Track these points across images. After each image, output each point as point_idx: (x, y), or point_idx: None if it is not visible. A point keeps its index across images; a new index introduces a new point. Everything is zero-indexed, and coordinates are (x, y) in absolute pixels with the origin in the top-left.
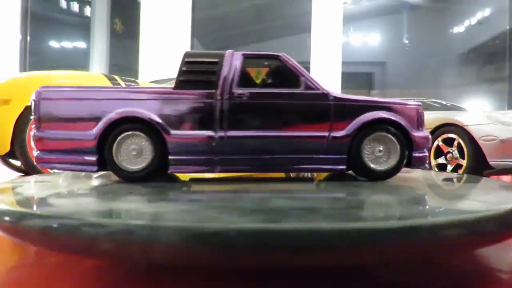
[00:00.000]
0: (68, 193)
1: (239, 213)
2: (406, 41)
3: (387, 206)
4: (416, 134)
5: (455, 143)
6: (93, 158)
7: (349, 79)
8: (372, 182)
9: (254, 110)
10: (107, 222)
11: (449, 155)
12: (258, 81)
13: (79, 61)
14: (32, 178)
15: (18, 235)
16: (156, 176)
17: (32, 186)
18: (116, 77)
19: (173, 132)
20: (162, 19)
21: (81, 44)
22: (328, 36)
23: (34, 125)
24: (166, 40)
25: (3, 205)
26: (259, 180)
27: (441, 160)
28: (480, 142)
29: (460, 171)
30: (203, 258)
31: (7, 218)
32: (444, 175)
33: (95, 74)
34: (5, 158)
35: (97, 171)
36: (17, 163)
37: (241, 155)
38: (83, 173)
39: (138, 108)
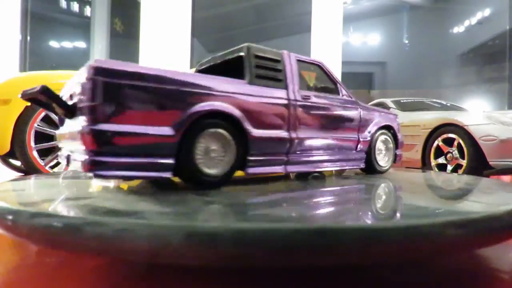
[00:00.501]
0: (68, 192)
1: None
2: (406, 41)
3: (387, 206)
4: (399, 136)
5: (455, 143)
6: (170, 161)
7: (349, 79)
8: (372, 182)
9: (316, 112)
10: (108, 221)
11: (449, 155)
12: (310, 85)
13: (79, 61)
14: (32, 178)
15: (19, 234)
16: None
17: (32, 186)
18: None
19: (255, 131)
20: (162, 19)
21: (81, 44)
22: (328, 36)
23: (86, 116)
24: (166, 40)
25: (4, 203)
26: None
27: (441, 160)
28: (480, 142)
29: (460, 171)
30: (203, 258)
31: (8, 217)
32: (444, 175)
33: None
34: (5, 158)
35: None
36: (17, 163)
37: (306, 156)
38: (83, 173)
39: (222, 103)
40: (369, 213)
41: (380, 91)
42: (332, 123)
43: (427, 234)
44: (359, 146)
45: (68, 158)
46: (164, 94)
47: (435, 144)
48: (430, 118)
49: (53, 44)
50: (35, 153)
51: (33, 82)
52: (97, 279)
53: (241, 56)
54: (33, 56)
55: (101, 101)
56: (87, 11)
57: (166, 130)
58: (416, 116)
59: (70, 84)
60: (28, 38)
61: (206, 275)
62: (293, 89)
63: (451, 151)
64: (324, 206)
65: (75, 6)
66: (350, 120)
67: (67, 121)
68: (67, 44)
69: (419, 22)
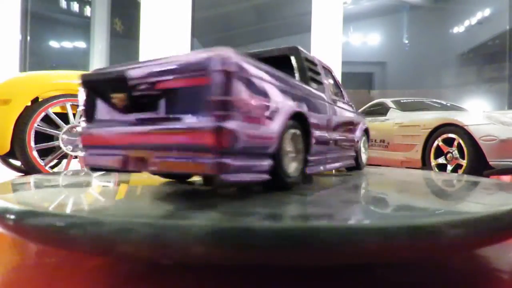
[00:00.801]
0: (68, 192)
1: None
2: (406, 41)
3: (387, 206)
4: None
5: (455, 143)
6: (270, 163)
7: (349, 79)
8: (372, 182)
9: (340, 115)
10: (108, 220)
11: (449, 155)
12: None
13: (79, 61)
14: (32, 178)
15: (20, 233)
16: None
17: (32, 185)
18: None
19: (315, 132)
20: (162, 19)
21: (81, 44)
22: (328, 36)
23: (215, 112)
24: (166, 40)
25: (5, 203)
26: None
27: (441, 160)
28: (480, 142)
29: (460, 171)
30: (203, 257)
31: (9, 216)
32: (444, 175)
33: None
34: (5, 158)
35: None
36: (17, 163)
37: (330, 155)
38: (83, 173)
39: (301, 103)
40: (369, 212)
41: (380, 91)
42: (346, 125)
43: (427, 234)
44: (355, 145)
45: (127, 159)
46: (279, 92)
47: (435, 144)
48: (430, 118)
49: (53, 44)
50: (35, 153)
51: (33, 82)
52: (97, 279)
53: (288, 57)
54: (33, 56)
55: (232, 96)
56: (87, 11)
57: (273, 130)
58: (416, 116)
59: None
60: (28, 38)
61: (206, 275)
62: (328, 92)
63: (451, 151)
64: (321, 205)
65: (75, 6)
66: (352, 122)
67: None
68: (67, 44)
69: (419, 22)
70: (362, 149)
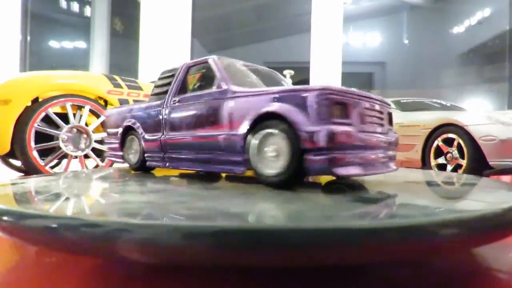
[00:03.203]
0: (68, 193)
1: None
2: (406, 41)
3: (387, 206)
4: None
5: (455, 143)
6: None
7: (349, 79)
8: (371, 181)
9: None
10: (106, 222)
11: (449, 155)
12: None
13: (79, 61)
14: (32, 178)
15: (17, 235)
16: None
17: (32, 186)
18: (116, 77)
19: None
20: (162, 19)
21: (81, 44)
22: (328, 36)
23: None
24: (166, 40)
25: (3, 205)
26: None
27: (441, 160)
28: (480, 142)
29: (460, 171)
30: (203, 257)
31: (6, 218)
32: (444, 175)
33: (95, 74)
34: (5, 158)
35: None
36: (17, 163)
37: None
38: (83, 173)
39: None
40: (368, 212)
41: (380, 91)
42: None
43: (427, 233)
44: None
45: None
46: None
47: (435, 144)
48: (430, 118)
49: (53, 44)
50: (35, 153)
51: (33, 82)
52: (97, 279)
53: None
54: (33, 56)
55: None
56: (87, 11)
57: None
58: (416, 116)
59: None
60: (28, 38)
61: (206, 275)
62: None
63: (451, 151)
64: (320, 205)
65: (75, 6)
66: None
67: None
68: (67, 44)
69: (419, 22)
70: (258, 151)
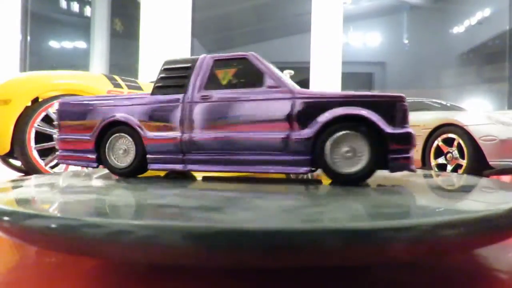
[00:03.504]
0: (68, 193)
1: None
2: (406, 41)
3: (386, 206)
4: None
5: (455, 143)
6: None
7: (349, 79)
8: (370, 182)
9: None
10: (106, 222)
11: (449, 155)
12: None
13: (79, 61)
14: (32, 178)
15: (17, 236)
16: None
17: (32, 186)
18: (116, 77)
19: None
20: (162, 19)
21: (81, 44)
22: (328, 36)
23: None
24: (166, 40)
25: (3, 205)
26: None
27: (441, 160)
28: (480, 142)
29: (460, 171)
30: (203, 258)
31: (6, 219)
32: (444, 175)
33: (95, 74)
34: (5, 158)
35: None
36: (17, 163)
37: (202, 156)
38: (83, 174)
39: None
40: (369, 213)
41: (380, 91)
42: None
43: (427, 234)
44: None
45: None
46: None
47: (435, 144)
48: (430, 118)
49: (53, 44)
50: (35, 153)
51: (33, 83)
52: (97, 279)
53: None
54: (33, 56)
55: None
56: (87, 11)
57: None
58: (416, 116)
59: None
60: (28, 38)
61: (206, 275)
62: (192, 90)
63: (451, 151)
64: (322, 206)
65: (75, 6)
66: (273, 115)
67: None
68: (67, 44)
69: (419, 22)
70: (333, 151)
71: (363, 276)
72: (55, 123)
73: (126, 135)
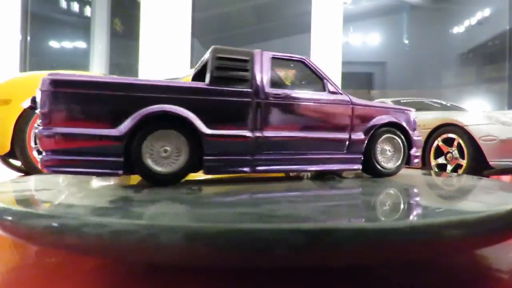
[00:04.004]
0: (68, 192)
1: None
2: (406, 41)
3: (387, 206)
4: (413, 134)
5: (455, 143)
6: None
7: (349, 79)
8: (372, 182)
9: (296, 111)
10: (107, 222)
11: (449, 155)
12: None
13: (79, 61)
14: (32, 178)
15: (18, 235)
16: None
17: (32, 186)
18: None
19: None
20: (162, 19)
21: (81, 44)
22: (328, 36)
23: None
24: (166, 40)
25: (4, 204)
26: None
27: (441, 160)
28: (480, 142)
29: (460, 171)
30: (203, 258)
31: (8, 218)
32: (444, 175)
33: (95, 74)
34: (5, 158)
35: None
36: (17, 163)
37: (273, 156)
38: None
39: None
40: (370, 213)
41: (380, 91)
42: (312, 121)
43: (427, 234)
44: (351, 145)
45: None
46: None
47: (435, 144)
48: (430, 118)
49: (53, 44)
50: (35, 153)
51: (33, 83)
52: (97, 279)
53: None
54: (33, 56)
55: None
56: (87, 11)
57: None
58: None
59: None
60: (28, 38)
61: (206, 275)
62: (262, 87)
63: (451, 151)
64: (324, 207)
65: (75, 6)
66: (334, 117)
67: None
68: (67, 44)
69: (419, 22)
70: (383, 150)
71: (363, 276)
72: (37, 110)
73: (176, 132)
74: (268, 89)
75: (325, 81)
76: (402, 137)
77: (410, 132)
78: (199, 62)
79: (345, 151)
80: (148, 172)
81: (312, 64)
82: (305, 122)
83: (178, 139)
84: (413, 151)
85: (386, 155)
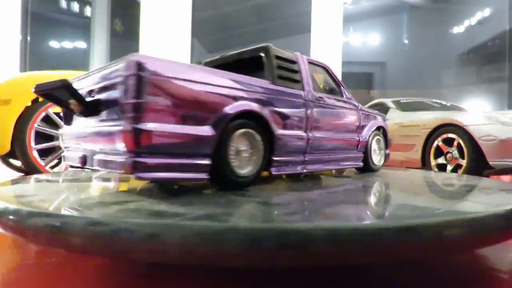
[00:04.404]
0: (69, 192)
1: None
2: (406, 41)
3: (387, 206)
4: (389, 136)
5: (455, 143)
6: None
7: (349, 79)
8: (372, 181)
9: (331, 113)
10: (109, 221)
11: (449, 155)
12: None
13: (79, 61)
14: (32, 178)
15: (20, 234)
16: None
17: (33, 186)
18: None
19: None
20: (162, 19)
21: (81, 44)
22: (328, 36)
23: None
24: (166, 40)
25: (6, 204)
26: None
27: (441, 160)
28: (480, 142)
29: (460, 171)
30: (204, 257)
31: (10, 217)
32: (444, 175)
33: None
34: (6, 158)
35: None
36: (18, 163)
37: (318, 156)
38: (83, 173)
39: None
40: (370, 213)
41: (380, 91)
42: (340, 124)
43: (427, 234)
44: (359, 146)
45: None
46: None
47: (435, 144)
48: (430, 118)
49: (53, 44)
50: (35, 153)
51: (34, 82)
52: (97, 279)
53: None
54: (33, 56)
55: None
56: (87, 11)
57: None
58: (416, 116)
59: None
60: (28, 38)
61: (206, 275)
62: (309, 90)
63: (451, 151)
64: (324, 206)
65: (75, 6)
66: (353, 121)
67: None
68: (67, 44)
69: (419, 22)
70: (374, 150)
71: (363, 276)
72: (126, 99)
73: (253, 132)
74: (312, 92)
75: (342, 88)
76: (383, 138)
77: (388, 134)
78: (218, 57)
79: (356, 150)
80: (231, 175)
81: (331, 71)
82: (336, 124)
83: (252, 140)
84: (388, 151)
85: (376, 153)
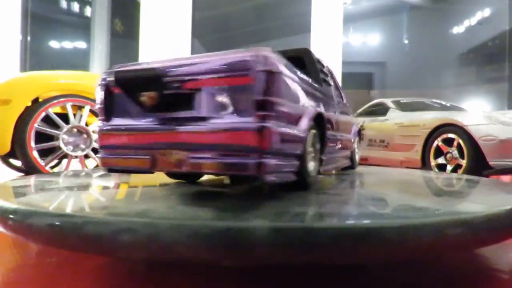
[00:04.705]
0: (68, 192)
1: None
2: (406, 41)
3: (387, 206)
4: (362, 138)
5: (455, 143)
6: (297, 163)
7: (349, 79)
8: (371, 182)
9: (342, 115)
10: (109, 220)
11: (448, 155)
12: None
13: (79, 61)
14: (33, 178)
15: (21, 233)
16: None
17: (33, 186)
18: None
19: (328, 132)
20: (162, 19)
21: (81, 44)
22: (328, 36)
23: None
24: (166, 40)
25: (6, 203)
26: None
27: (441, 160)
28: (479, 142)
29: (460, 171)
30: (204, 257)
31: (10, 216)
32: (443, 175)
33: (95, 74)
34: (6, 158)
35: None
36: (18, 163)
37: (337, 154)
38: (83, 173)
39: None
40: (370, 213)
41: (380, 91)
42: (345, 125)
43: (427, 234)
44: (351, 145)
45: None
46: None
47: (434, 144)
48: (430, 118)
49: (53, 44)
50: (35, 153)
51: (33, 82)
52: (97, 279)
53: (300, 58)
54: (34, 56)
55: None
56: (87, 11)
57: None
58: (416, 116)
59: None
60: (29, 38)
61: (206, 274)
62: (334, 93)
63: (450, 151)
64: (321, 206)
65: (75, 6)
66: (349, 123)
67: None
68: (67, 44)
69: (419, 22)
70: (356, 149)
71: (363, 276)
72: (257, 96)
73: (316, 133)
74: (336, 97)
75: (342, 92)
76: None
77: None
78: None
79: (348, 150)
80: (305, 175)
81: (334, 73)
82: (344, 126)
83: (315, 140)
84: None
85: (357, 153)
